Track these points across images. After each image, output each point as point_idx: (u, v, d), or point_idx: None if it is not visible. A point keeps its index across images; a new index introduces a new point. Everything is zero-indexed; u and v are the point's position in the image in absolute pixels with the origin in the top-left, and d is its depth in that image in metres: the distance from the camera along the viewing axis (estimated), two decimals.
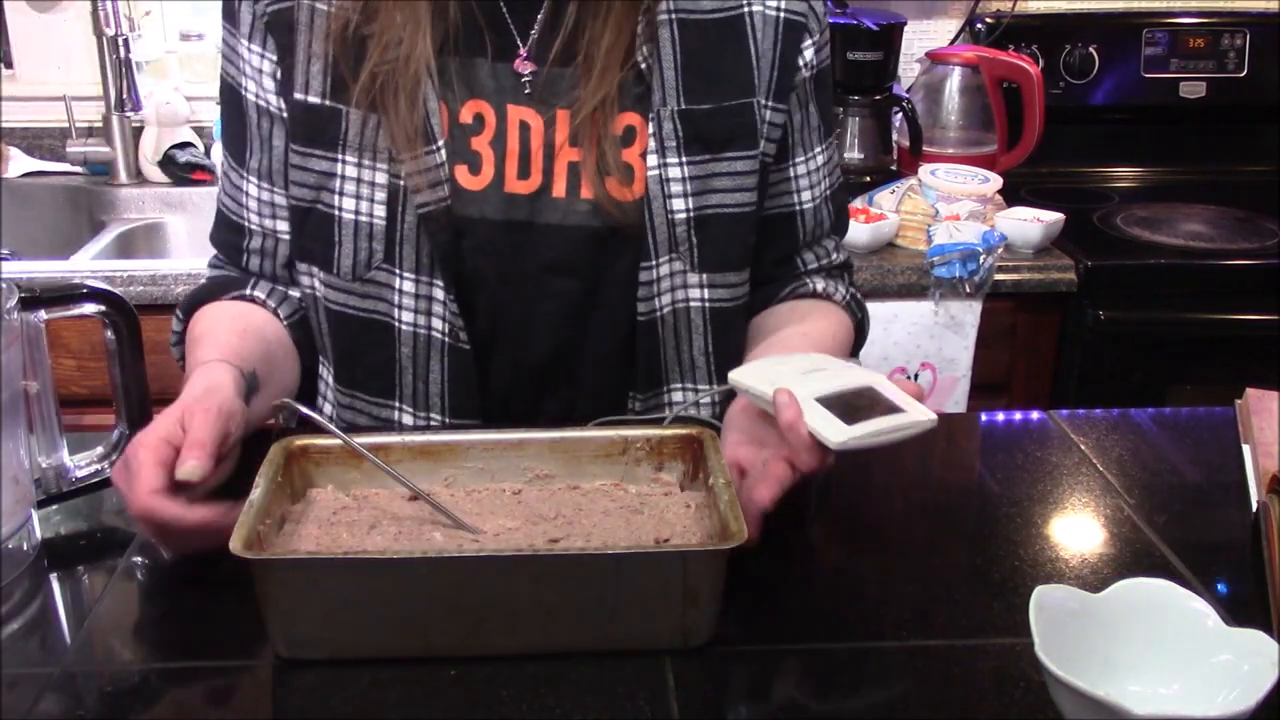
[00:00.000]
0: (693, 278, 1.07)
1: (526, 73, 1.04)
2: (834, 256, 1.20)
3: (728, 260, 1.08)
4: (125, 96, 2.25)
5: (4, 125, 2.31)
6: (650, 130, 1.04)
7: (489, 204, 1.04)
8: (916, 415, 0.87)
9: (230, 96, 1.09)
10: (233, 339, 1.02)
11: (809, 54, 1.09)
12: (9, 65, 2.33)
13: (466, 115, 1.04)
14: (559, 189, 1.05)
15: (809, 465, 0.87)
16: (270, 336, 1.08)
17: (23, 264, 1.97)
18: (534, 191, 1.05)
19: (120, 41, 2.22)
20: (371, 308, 1.06)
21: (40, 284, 0.90)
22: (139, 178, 2.30)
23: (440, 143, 1.02)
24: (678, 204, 1.05)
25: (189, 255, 2.17)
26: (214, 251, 1.16)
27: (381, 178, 1.03)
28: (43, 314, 0.90)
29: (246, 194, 1.10)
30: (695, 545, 0.82)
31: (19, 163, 2.29)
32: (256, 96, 1.07)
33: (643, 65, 1.04)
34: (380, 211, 1.03)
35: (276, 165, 1.08)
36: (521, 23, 1.05)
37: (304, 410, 0.87)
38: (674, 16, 1.04)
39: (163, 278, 1.81)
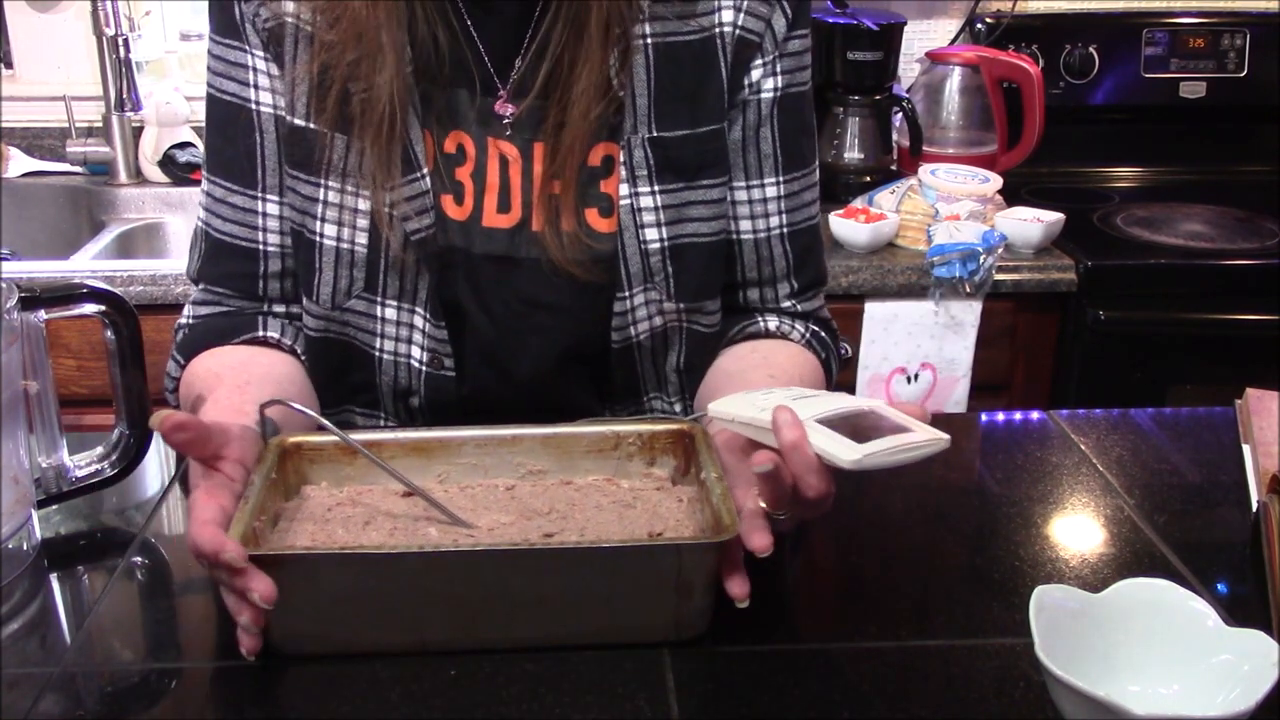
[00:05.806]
0: (669, 307, 1.05)
1: (507, 114, 1.02)
2: (791, 304, 1.11)
3: (705, 289, 1.06)
4: (125, 96, 2.25)
5: (4, 125, 2.31)
6: (621, 159, 1.02)
7: (469, 236, 1.03)
8: (928, 434, 0.79)
9: (231, 114, 1.03)
10: (233, 397, 0.95)
11: (756, 74, 1.05)
12: (9, 65, 2.33)
13: (450, 145, 1.03)
14: (538, 222, 1.03)
15: (817, 491, 0.78)
16: (281, 376, 1.02)
17: (23, 264, 1.97)
18: (514, 225, 1.03)
19: (120, 41, 2.22)
20: (351, 335, 1.05)
21: (40, 284, 0.90)
22: (139, 178, 2.30)
23: (425, 170, 1.00)
24: (650, 234, 1.02)
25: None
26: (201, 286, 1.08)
27: (364, 205, 1.00)
28: (43, 314, 0.90)
29: (265, 215, 1.04)
30: (689, 538, 0.82)
31: (19, 163, 2.29)
32: (274, 108, 1.02)
33: (620, 94, 1.01)
34: (362, 239, 1.01)
35: None
36: (501, 63, 1.02)
37: (297, 407, 0.87)
38: (649, 41, 1.01)
39: (163, 278, 1.81)
